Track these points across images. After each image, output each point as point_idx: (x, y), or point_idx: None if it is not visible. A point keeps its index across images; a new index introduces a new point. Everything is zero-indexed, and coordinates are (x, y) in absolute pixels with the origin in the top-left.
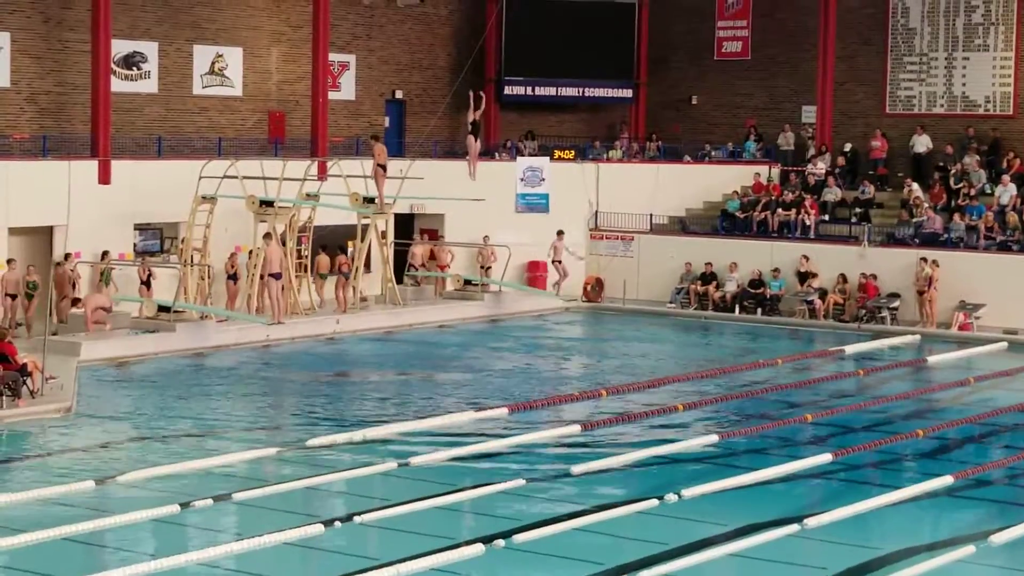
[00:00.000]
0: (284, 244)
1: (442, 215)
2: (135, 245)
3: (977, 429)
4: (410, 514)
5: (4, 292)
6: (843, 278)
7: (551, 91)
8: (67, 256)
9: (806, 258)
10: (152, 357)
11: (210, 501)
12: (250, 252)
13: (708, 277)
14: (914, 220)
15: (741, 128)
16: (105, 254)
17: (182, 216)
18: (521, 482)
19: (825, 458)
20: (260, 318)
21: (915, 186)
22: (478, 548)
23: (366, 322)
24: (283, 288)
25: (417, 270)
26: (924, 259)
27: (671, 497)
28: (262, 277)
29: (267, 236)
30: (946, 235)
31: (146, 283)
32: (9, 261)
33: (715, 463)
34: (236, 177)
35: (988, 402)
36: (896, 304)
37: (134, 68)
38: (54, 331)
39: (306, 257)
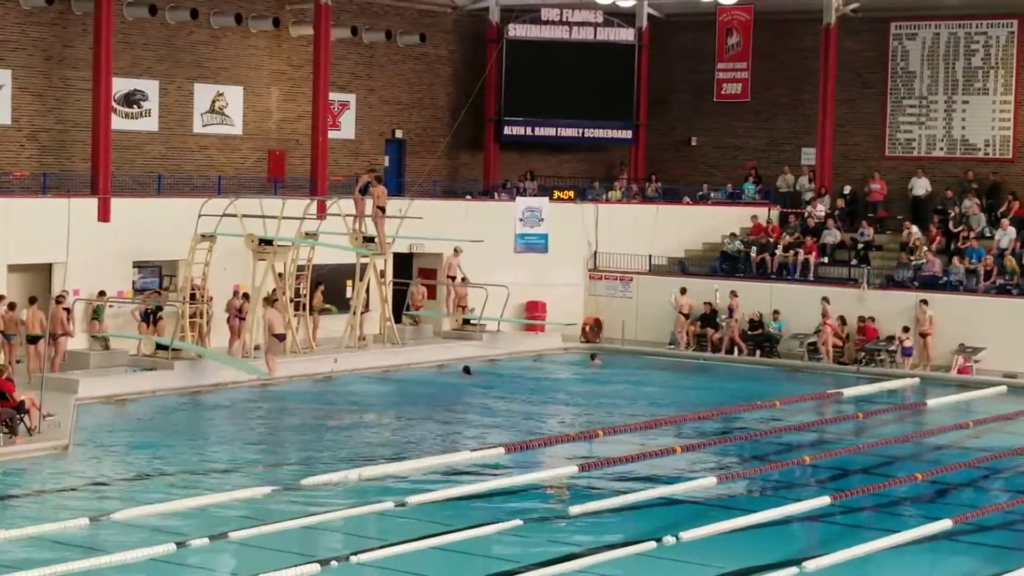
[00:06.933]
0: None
1: (440, 255)
2: (134, 283)
3: (976, 473)
4: (407, 554)
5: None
6: (842, 320)
7: (551, 131)
8: (59, 297)
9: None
10: (150, 395)
11: (206, 540)
12: (245, 294)
13: (707, 318)
14: (913, 263)
15: (740, 170)
16: (101, 294)
17: (181, 254)
18: (518, 523)
19: (824, 501)
20: (256, 369)
21: (914, 229)
22: None
23: (364, 361)
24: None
25: (417, 310)
26: (924, 301)
27: (669, 539)
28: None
29: (267, 300)
30: (945, 278)
31: (148, 320)
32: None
33: (713, 505)
34: (235, 215)
35: (988, 446)
36: (895, 347)
37: (135, 106)
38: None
39: (304, 296)
